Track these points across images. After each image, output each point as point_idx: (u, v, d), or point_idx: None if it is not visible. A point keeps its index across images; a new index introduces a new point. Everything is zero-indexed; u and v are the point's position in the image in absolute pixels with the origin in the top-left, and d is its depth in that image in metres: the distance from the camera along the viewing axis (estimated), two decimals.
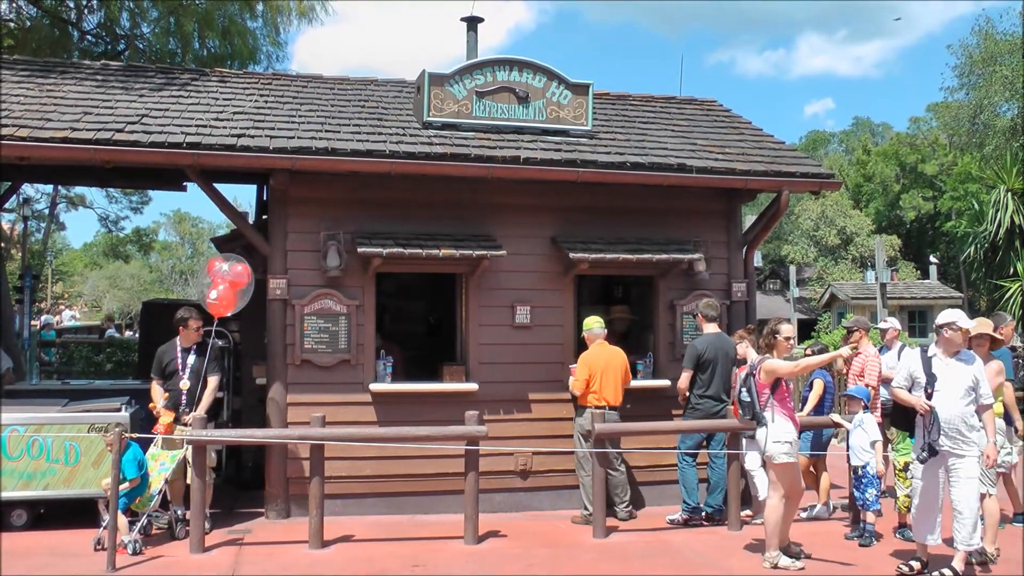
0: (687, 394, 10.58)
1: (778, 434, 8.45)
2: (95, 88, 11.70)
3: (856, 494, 9.69)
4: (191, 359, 9.88)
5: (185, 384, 9.78)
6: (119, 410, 9.91)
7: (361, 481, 10.47)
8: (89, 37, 21.98)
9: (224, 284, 9.92)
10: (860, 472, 9.57)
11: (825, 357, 9.41)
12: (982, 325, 9.22)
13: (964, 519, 8.04)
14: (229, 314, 10.18)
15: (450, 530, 9.67)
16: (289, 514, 10.30)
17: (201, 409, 9.56)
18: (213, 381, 9.92)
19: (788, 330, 8.98)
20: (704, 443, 10.67)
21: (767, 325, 8.90)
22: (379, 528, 9.97)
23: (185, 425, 9.46)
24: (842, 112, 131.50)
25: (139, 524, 8.97)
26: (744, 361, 10.38)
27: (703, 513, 10.49)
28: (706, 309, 10.79)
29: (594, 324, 10.62)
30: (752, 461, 10.22)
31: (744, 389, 8.72)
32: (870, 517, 9.48)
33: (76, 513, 9.51)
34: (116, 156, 9.84)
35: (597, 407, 10.17)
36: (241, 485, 11.52)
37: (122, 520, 8.74)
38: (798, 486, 8.73)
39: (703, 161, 11.37)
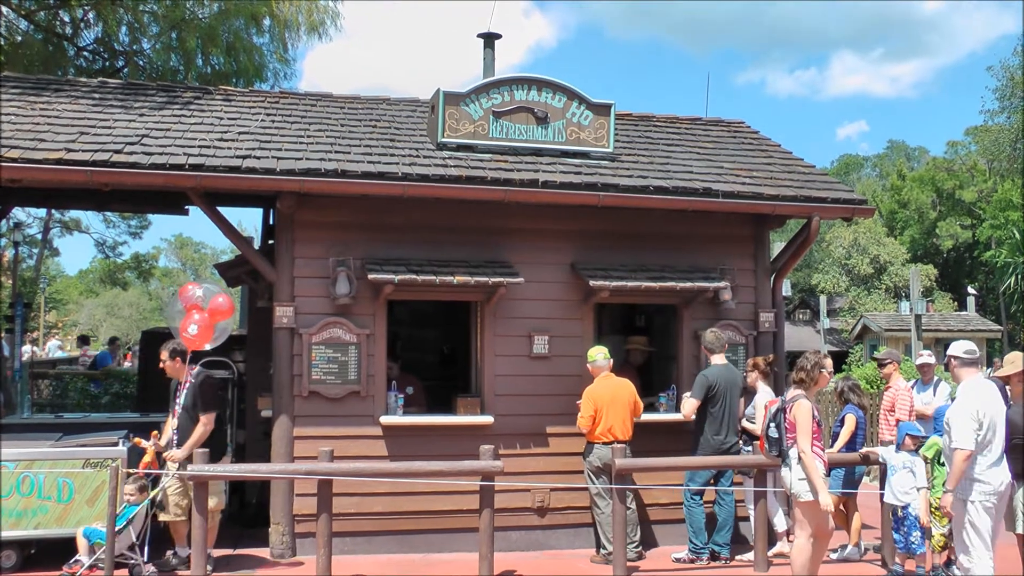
0: (692, 419, 10.55)
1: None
2: (92, 107, 11.73)
3: (896, 536, 9.64)
4: (180, 396, 9.79)
5: (172, 423, 9.75)
6: (116, 444, 9.86)
7: (371, 518, 10.48)
8: (86, 53, 22.09)
9: (202, 315, 9.83)
10: (901, 513, 9.51)
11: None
12: (1016, 361, 9.06)
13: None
14: (206, 347, 10.01)
15: (464, 569, 9.68)
16: (295, 553, 10.29)
17: (184, 448, 9.48)
18: (203, 418, 9.66)
19: (830, 364, 8.98)
20: (712, 480, 10.63)
21: (808, 358, 8.69)
22: (390, 567, 9.97)
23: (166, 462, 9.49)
24: (876, 135, 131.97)
25: (95, 557, 9.04)
26: (754, 391, 10.41)
27: (708, 552, 10.45)
28: (712, 344, 10.71)
29: (597, 356, 10.59)
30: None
31: (773, 424, 8.66)
32: (910, 564, 9.40)
33: (69, 553, 9.41)
34: (114, 178, 9.83)
35: (605, 443, 10.18)
36: (245, 522, 11.51)
37: (81, 543, 9.08)
38: (826, 526, 8.67)
39: (730, 185, 11.39)
